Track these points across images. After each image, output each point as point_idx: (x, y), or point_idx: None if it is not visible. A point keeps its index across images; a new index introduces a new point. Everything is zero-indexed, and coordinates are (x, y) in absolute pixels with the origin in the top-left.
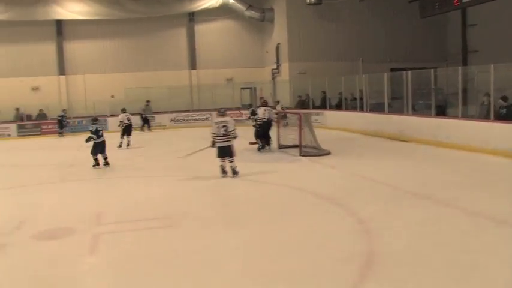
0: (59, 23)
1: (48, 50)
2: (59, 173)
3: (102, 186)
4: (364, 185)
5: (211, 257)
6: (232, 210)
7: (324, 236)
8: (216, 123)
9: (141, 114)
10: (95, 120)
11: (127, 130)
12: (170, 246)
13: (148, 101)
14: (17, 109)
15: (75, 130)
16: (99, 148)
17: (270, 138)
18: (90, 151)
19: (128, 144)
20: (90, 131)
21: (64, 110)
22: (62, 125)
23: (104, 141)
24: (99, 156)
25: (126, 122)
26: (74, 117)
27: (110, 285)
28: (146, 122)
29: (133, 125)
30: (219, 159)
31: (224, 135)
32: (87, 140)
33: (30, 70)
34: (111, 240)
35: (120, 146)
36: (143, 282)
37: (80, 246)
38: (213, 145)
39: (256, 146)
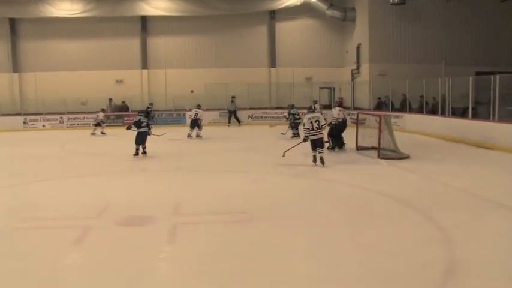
0: (144, 19)
1: (132, 45)
2: (140, 163)
3: (181, 178)
4: (444, 191)
5: (286, 255)
6: (308, 210)
7: (402, 241)
8: (309, 118)
9: (228, 110)
10: (140, 112)
11: (194, 123)
12: (245, 240)
13: (233, 97)
14: (110, 99)
15: (154, 123)
16: (139, 138)
17: (343, 139)
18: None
19: (198, 135)
20: (134, 121)
21: (151, 103)
22: (149, 117)
23: (144, 133)
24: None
25: (193, 117)
26: (155, 111)
27: (185, 273)
28: (234, 116)
29: (201, 120)
30: (312, 150)
31: (317, 128)
32: (127, 128)
33: (115, 64)
34: (188, 231)
35: (188, 136)
36: (217, 274)
37: (158, 235)
38: (305, 140)
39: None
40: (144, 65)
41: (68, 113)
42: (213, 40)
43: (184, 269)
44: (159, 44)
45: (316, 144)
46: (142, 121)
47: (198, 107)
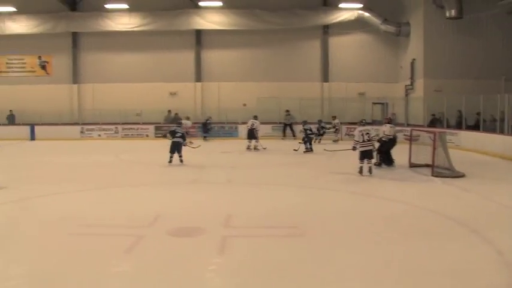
0: (199, 33)
1: (187, 58)
2: (192, 174)
3: (231, 191)
4: (502, 212)
5: (336, 274)
6: (360, 227)
7: (457, 263)
8: (360, 131)
9: (284, 123)
10: (178, 123)
11: (251, 134)
12: (294, 255)
13: (287, 111)
14: (169, 111)
15: (210, 135)
16: (174, 147)
17: (392, 156)
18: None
19: (255, 148)
20: (169, 130)
21: (210, 117)
22: (207, 129)
23: (178, 142)
24: (177, 156)
25: (249, 127)
26: (213, 123)
27: (233, 286)
28: (290, 129)
29: (258, 130)
30: (359, 161)
31: (367, 140)
32: (163, 136)
33: (170, 76)
34: (238, 244)
35: (248, 148)
36: (263, 285)
37: (208, 246)
38: (353, 149)
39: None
40: (198, 77)
41: (123, 123)
42: (265, 54)
43: (232, 282)
44: (213, 57)
45: (365, 156)
46: (178, 131)
47: (255, 117)
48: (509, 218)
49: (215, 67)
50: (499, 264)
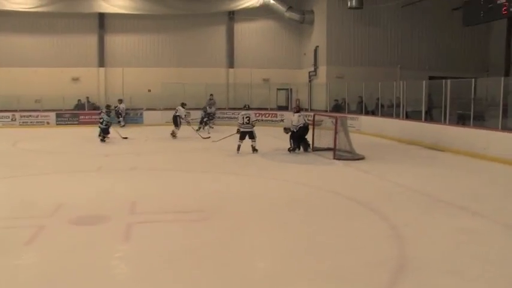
0: (102, 16)
1: (89, 42)
2: (96, 162)
3: (136, 177)
4: (397, 191)
5: (239, 254)
6: (265, 209)
7: (355, 240)
8: (242, 115)
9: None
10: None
11: (174, 120)
12: (200, 239)
13: (211, 95)
14: (87, 98)
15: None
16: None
17: (308, 141)
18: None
19: (172, 133)
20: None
21: (120, 99)
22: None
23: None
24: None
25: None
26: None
27: (141, 272)
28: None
29: (181, 117)
30: (238, 140)
31: (247, 123)
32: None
33: (71, 61)
34: (143, 230)
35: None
36: (172, 272)
37: (113, 234)
38: (238, 132)
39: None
40: (101, 63)
41: (21, 110)
42: (171, 39)
43: (139, 268)
44: (117, 42)
45: (244, 136)
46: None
47: (182, 105)
48: (403, 196)
49: (119, 52)
50: (392, 238)
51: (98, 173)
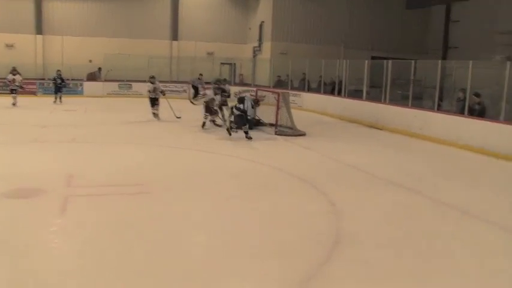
0: None
1: (25, 6)
2: (33, 133)
3: (75, 150)
4: (337, 167)
5: (178, 227)
6: (205, 183)
7: (294, 215)
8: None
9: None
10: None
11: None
12: (139, 212)
13: (200, 74)
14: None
15: (48, 92)
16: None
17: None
18: None
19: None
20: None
21: (59, 70)
22: (59, 87)
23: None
24: None
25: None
26: (49, 79)
27: (76, 245)
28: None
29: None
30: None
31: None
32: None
33: (5, 26)
34: (80, 204)
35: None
36: (109, 245)
37: (49, 207)
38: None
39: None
40: (39, 30)
41: None
42: (114, 9)
43: (74, 242)
44: (56, 8)
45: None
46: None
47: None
48: (342, 172)
49: (59, 19)
50: (331, 214)
51: (35, 144)
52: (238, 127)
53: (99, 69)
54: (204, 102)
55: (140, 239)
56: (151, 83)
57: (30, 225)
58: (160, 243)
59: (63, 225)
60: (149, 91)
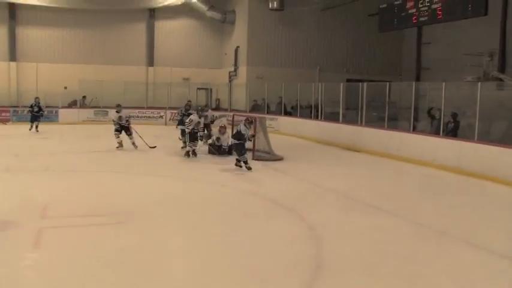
0: (12, 6)
1: None
2: (6, 162)
3: (49, 179)
4: (315, 191)
5: (155, 257)
6: (181, 210)
7: (274, 240)
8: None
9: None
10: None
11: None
12: (115, 243)
13: (189, 101)
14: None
15: (22, 119)
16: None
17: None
18: None
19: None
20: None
21: (37, 97)
22: (36, 115)
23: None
24: None
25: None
26: (23, 106)
27: (51, 281)
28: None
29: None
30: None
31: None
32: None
33: None
34: (55, 236)
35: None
36: (85, 280)
37: (22, 240)
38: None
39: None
40: (13, 57)
41: None
42: (89, 35)
43: (49, 277)
44: (30, 35)
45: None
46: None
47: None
48: (320, 196)
49: (33, 46)
50: (310, 239)
51: (7, 174)
52: (240, 157)
53: (84, 97)
54: (189, 129)
55: (117, 273)
56: (117, 111)
57: (2, 259)
58: (138, 274)
59: (36, 259)
60: (113, 120)
